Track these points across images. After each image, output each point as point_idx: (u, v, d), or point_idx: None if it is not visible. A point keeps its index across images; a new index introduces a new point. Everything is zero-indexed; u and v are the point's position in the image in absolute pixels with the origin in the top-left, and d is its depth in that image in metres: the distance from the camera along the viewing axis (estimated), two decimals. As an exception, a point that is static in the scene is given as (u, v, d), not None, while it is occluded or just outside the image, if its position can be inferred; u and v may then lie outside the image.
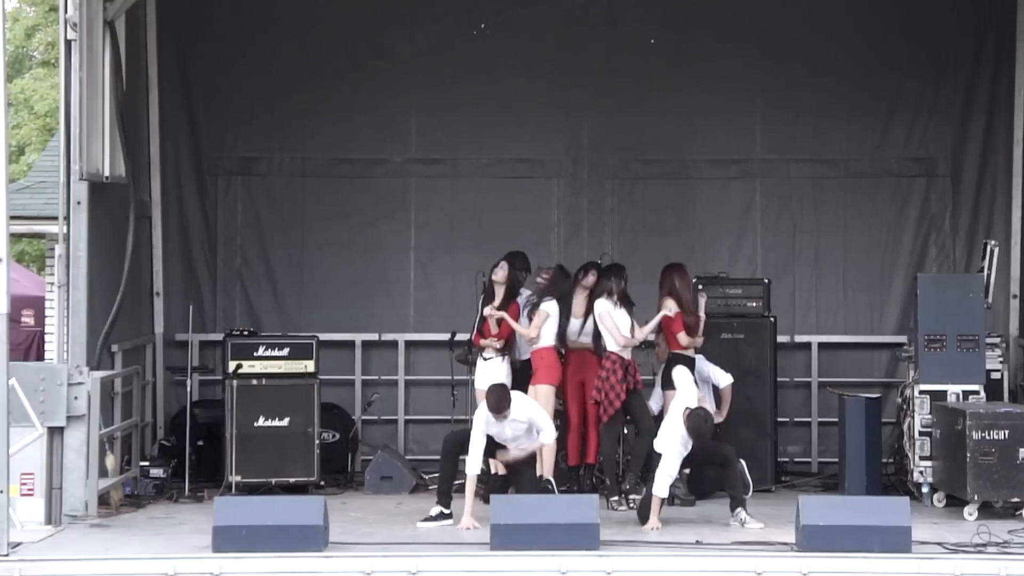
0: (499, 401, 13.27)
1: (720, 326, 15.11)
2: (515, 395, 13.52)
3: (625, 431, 14.72)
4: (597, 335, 14.47)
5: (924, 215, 17.05)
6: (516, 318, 14.51)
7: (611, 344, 14.37)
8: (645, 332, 14.48)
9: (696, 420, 13.26)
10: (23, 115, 33.24)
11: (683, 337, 14.53)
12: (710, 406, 14.93)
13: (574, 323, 14.66)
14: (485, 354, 14.58)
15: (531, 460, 13.55)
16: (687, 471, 13.88)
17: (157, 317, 16.66)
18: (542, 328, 14.46)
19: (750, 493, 14.57)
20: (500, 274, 14.59)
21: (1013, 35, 16.53)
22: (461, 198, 17.15)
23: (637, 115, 17.05)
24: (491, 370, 14.48)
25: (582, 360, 14.70)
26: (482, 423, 13.33)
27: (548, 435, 13.48)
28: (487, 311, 14.50)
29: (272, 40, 16.98)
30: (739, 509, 13.34)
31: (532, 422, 13.41)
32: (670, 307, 14.52)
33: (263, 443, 14.95)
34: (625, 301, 14.47)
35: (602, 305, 14.47)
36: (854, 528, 11.93)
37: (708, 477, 14.29)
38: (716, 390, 15.10)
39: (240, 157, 17.17)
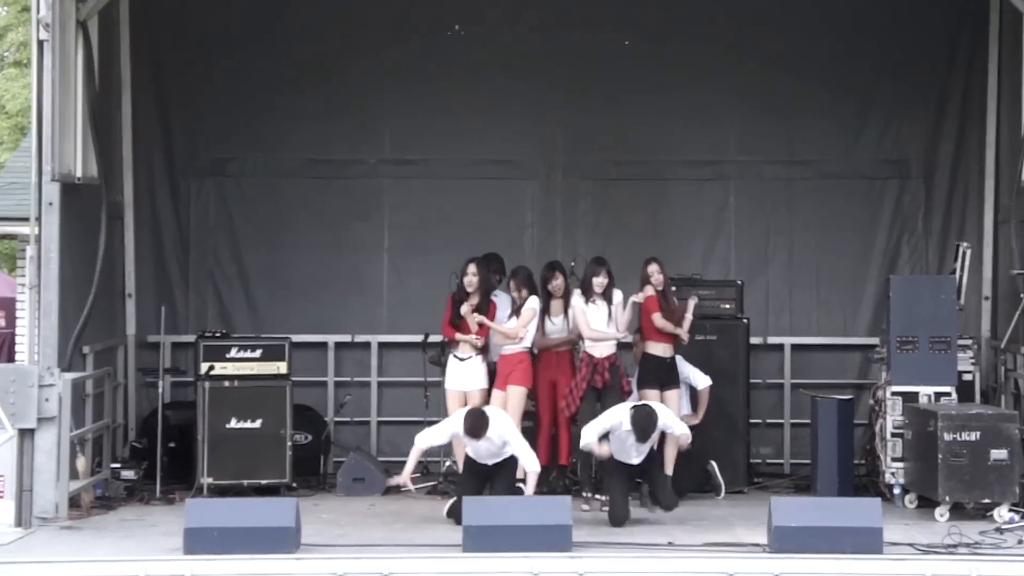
0: (475, 428, 13.22)
1: (693, 327, 15.07)
2: (493, 416, 13.45)
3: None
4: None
5: (897, 217, 17.08)
6: (493, 318, 14.51)
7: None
8: (622, 324, 14.40)
9: (641, 416, 13.32)
10: (-5, 115, 33.16)
11: (658, 318, 14.51)
12: (686, 407, 14.97)
13: (557, 322, 14.64)
14: (460, 353, 14.56)
15: (509, 465, 13.51)
16: (645, 485, 13.86)
17: (129, 318, 16.60)
18: (528, 326, 14.46)
19: (722, 494, 14.62)
20: (472, 280, 14.56)
21: (986, 37, 16.56)
22: (435, 199, 17.13)
23: (611, 117, 17.04)
24: (470, 371, 14.48)
25: (553, 360, 14.71)
26: (452, 431, 13.34)
27: (531, 464, 13.40)
28: (464, 309, 14.47)
29: (245, 41, 16.94)
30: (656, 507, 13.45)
31: (507, 445, 13.36)
32: (639, 295, 14.52)
33: (235, 445, 14.91)
34: (605, 296, 14.40)
35: (575, 300, 14.47)
36: (826, 529, 11.95)
37: (682, 478, 14.29)
38: (693, 392, 15.11)
39: (213, 158, 17.13)
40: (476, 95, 16.92)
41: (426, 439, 13.52)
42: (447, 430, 13.47)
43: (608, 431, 13.46)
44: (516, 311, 14.60)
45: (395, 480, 12.99)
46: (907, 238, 17.04)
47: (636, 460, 13.52)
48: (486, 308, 14.55)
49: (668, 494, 13.70)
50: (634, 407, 13.49)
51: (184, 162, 17.08)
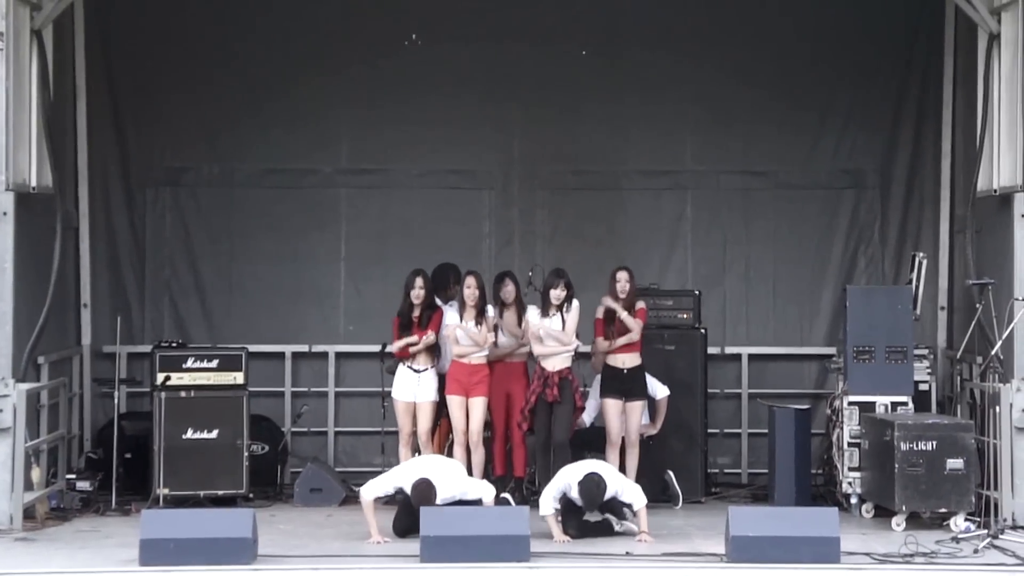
0: (424, 499, 12.87)
1: (651, 337, 15.11)
2: (441, 472, 13.20)
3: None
4: None
5: (853, 227, 17.13)
6: (438, 327, 14.48)
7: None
8: (570, 330, 14.33)
9: (589, 486, 13.07)
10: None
11: (600, 342, 14.53)
12: (645, 417, 14.96)
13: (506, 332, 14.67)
14: (416, 365, 14.54)
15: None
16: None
17: (84, 329, 16.50)
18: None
19: (679, 504, 14.63)
20: (419, 293, 14.54)
21: (941, 47, 16.64)
22: (392, 209, 17.10)
23: (568, 126, 17.07)
24: (421, 382, 14.50)
25: (506, 371, 14.70)
26: (398, 485, 13.18)
27: (488, 496, 13.28)
28: (420, 341, 14.43)
29: (201, 51, 16.89)
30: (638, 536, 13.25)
31: (464, 495, 13.21)
32: (607, 303, 14.47)
33: (191, 455, 14.85)
34: (561, 308, 14.36)
35: (530, 315, 14.48)
36: (783, 539, 11.98)
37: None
38: (652, 401, 15.12)
39: (168, 167, 17.06)
40: (433, 105, 16.91)
41: (372, 492, 13.22)
42: (392, 483, 13.25)
43: (562, 493, 13.25)
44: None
45: (369, 540, 12.92)
46: (863, 248, 17.09)
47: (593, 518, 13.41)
48: (427, 321, 14.52)
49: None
50: (584, 476, 13.10)
51: (140, 172, 17.01)
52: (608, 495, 13.17)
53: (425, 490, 12.97)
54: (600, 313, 14.57)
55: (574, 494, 13.15)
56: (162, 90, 16.88)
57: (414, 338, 14.51)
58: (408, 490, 13.06)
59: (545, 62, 16.95)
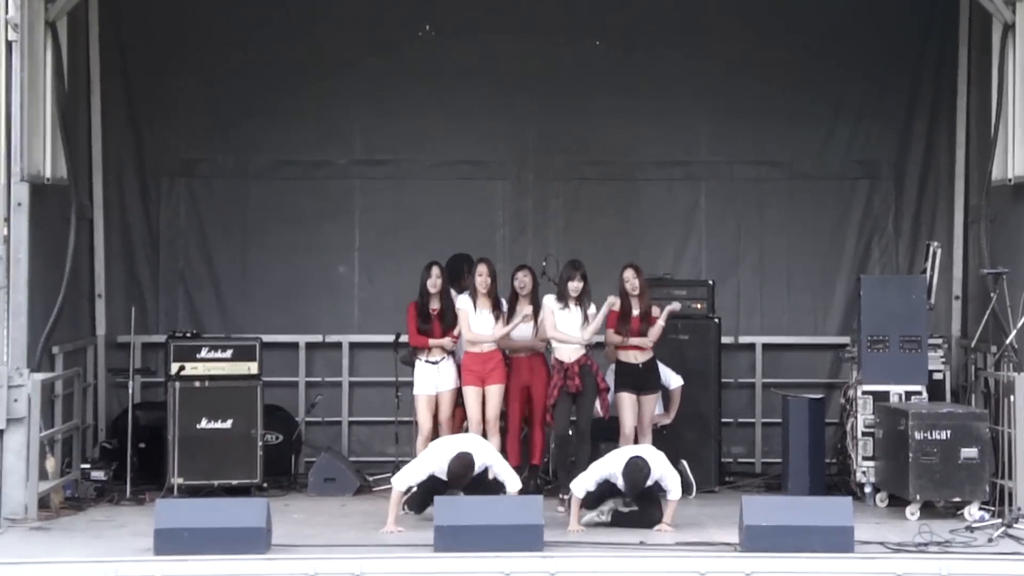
0: (460, 478, 13.03)
1: (665, 327, 15.08)
2: (474, 447, 13.29)
3: (570, 432, 14.66)
4: None
5: (867, 217, 17.12)
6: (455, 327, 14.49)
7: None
8: (588, 332, 14.37)
9: (633, 469, 13.08)
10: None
11: (610, 335, 14.47)
12: (659, 407, 14.95)
13: (522, 326, 14.61)
14: (431, 357, 14.54)
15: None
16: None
17: (99, 319, 16.53)
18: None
19: (693, 494, 14.63)
20: (436, 283, 14.54)
21: (955, 37, 16.60)
22: (405, 200, 17.11)
23: (582, 117, 17.05)
24: (440, 373, 14.48)
25: (526, 365, 14.65)
26: (430, 470, 13.19)
27: (513, 484, 13.30)
28: (443, 343, 14.45)
29: (215, 42, 16.91)
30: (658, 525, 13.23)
31: (488, 468, 13.25)
32: (612, 301, 14.46)
33: (205, 445, 14.88)
34: (579, 300, 14.34)
35: (547, 300, 14.43)
36: (797, 528, 11.96)
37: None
38: (666, 391, 15.11)
39: (183, 159, 17.08)
40: (447, 96, 16.91)
41: (403, 481, 13.23)
42: (425, 469, 13.25)
43: (604, 479, 13.23)
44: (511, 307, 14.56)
45: (386, 529, 12.94)
46: (877, 238, 17.08)
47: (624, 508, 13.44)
48: (451, 316, 14.51)
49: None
50: (629, 460, 13.12)
51: (154, 163, 17.03)
52: (652, 480, 13.18)
53: (465, 467, 13.01)
54: (616, 306, 14.48)
55: (618, 480, 13.11)
56: (176, 82, 16.90)
57: (448, 342, 14.48)
58: (445, 468, 13.04)
59: (559, 53, 16.94)
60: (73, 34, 15.16)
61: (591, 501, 13.26)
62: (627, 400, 14.49)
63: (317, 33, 16.91)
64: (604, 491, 13.26)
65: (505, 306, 14.57)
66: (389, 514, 13.09)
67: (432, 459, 13.29)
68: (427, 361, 14.55)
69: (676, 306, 14.75)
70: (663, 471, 13.25)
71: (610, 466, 13.23)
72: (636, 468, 13.09)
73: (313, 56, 16.91)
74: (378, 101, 17.01)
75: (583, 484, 13.19)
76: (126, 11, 16.70)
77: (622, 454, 13.36)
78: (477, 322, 14.41)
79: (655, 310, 14.58)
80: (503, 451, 14.46)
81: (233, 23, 16.89)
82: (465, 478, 13.05)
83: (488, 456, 13.37)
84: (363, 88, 16.99)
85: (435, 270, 14.64)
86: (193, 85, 16.92)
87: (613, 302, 14.44)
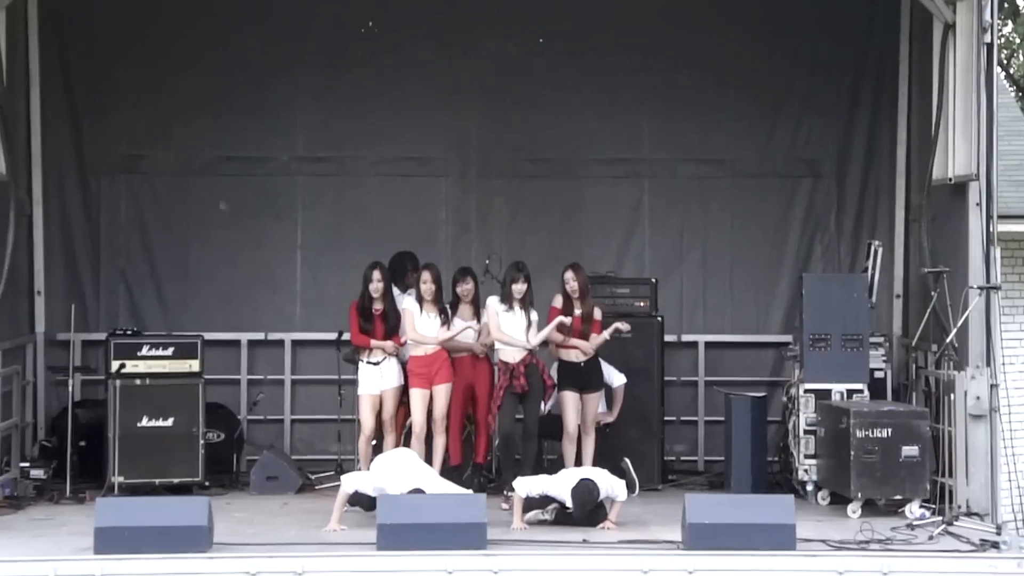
0: (589, 500, 13.02)
1: (608, 325, 15.08)
2: (423, 472, 13.27)
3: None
4: None
5: (810, 215, 17.17)
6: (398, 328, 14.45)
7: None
8: (536, 341, 14.25)
9: (582, 492, 13.06)
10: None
11: (552, 333, 14.44)
12: (602, 405, 14.95)
13: (461, 326, 14.57)
14: (372, 358, 14.47)
15: None
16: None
17: (38, 316, 16.39)
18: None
19: (636, 492, 14.62)
20: (378, 287, 14.48)
21: (896, 37, 16.65)
22: (348, 197, 17.06)
23: (526, 114, 17.04)
24: (383, 372, 14.40)
25: (469, 364, 14.63)
26: (379, 486, 13.05)
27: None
28: (385, 346, 14.39)
29: (156, 37, 16.78)
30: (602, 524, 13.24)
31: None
32: (562, 320, 14.35)
33: (147, 443, 14.78)
34: (523, 303, 14.29)
35: (490, 301, 14.41)
36: (740, 526, 11.98)
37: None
38: (609, 389, 15.11)
39: (123, 155, 16.97)
40: (390, 92, 16.86)
41: (354, 484, 13.10)
42: (374, 484, 13.03)
43: (546, 496, 13.19)
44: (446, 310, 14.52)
45: (326, 528, 12.87)
46: (820, 236, 17.14)
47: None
48: (395, 316, 14.46)
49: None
50: (577, 483, 13.06)
51: (94, 159, 16.91)
52: (600, 498, 13.17)
53: (592, 487, 13.02)
54: (559, 305, 14.44)
55: (566, 501, 13.07)
56: (117, 77, 16.78)
57: (390, 344, 14.41)
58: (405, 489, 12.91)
59: (502, 50, 16.92)
60: (12, 28, 15.04)
61: (534, 504, 13.23)
62: (570, 399, 14.47)
63: (260, 29, 16.83)
64: (548, 500, 13.24)
65: (450, 313, 14.52)
66: (333, 512, 13.04)
67: (384, 477, 13.12)
68: (368, 362, 14.48)
69: (625, 327, 14.65)
70: (609, 485, 13.25)
71: (557, 488, 13.18)
72: (586, 491, 13.07)
73: (255, 52, 16.83)
74: (321, 98, 16.95)
75: (528, 487, 13.16)
76: (67, 5, 16.56)
77: (569, 476, 13.32)
78: (422, 324, 14.37)
79: (597, 312, 14.56)
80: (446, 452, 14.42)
81: (175, 19, 16.76)
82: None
83: (436, 483, 13.18)
84: (306, 84, 16.92)
85: (376, 274, 14.53)
86: (134, 81, 16.80)
87: (563, 321, 14.34)
